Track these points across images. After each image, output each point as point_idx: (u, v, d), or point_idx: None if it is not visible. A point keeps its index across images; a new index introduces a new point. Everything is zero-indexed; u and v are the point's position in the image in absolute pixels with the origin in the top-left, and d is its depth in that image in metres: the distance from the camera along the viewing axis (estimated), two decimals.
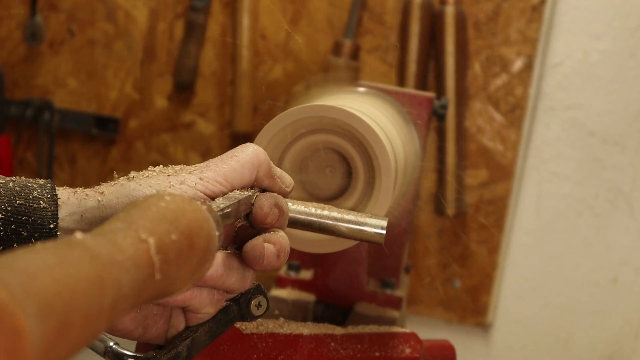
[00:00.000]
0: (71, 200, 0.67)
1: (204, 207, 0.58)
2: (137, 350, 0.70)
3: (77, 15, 2.05)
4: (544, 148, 1.92)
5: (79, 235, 0.46)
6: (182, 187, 0.67)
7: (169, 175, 0.68)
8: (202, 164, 0.70)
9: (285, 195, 0.74)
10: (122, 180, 0.69)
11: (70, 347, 0.41)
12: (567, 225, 1.94)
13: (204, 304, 0.68)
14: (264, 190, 0.73)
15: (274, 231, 0.70)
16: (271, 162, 0.73)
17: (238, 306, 0.73)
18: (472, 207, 1.93)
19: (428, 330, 1.91)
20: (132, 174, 0.70)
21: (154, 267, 0.50)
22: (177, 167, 0.70)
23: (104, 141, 2.08)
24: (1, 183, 0.66)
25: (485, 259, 1.95)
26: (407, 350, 0.90)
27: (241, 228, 0.72)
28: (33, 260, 0.41)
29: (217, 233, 0.58)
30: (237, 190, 0.70)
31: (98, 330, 0.44)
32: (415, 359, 0.89)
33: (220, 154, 0.72)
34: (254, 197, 0.70)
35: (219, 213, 0.62)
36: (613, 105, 1.88)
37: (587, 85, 1.88)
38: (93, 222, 0.66)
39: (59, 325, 0.40)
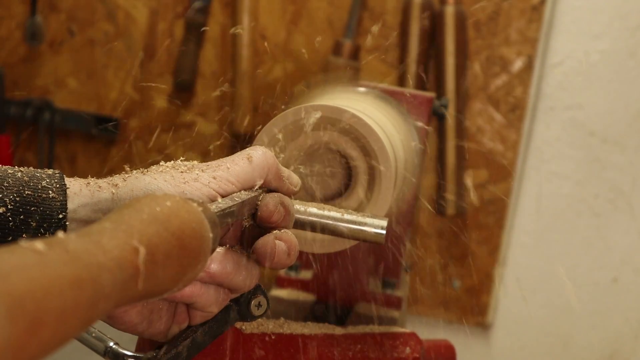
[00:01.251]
0: (83, 191, 0.67)
1: (200, 208, 0.58)
2: (137, 350, 0.70)
3: (77, 15, 2.05)
4: (544, 148, 1.92)
5: (60, 234, 0.47)
6: (196, 184, 0.68)
7: (182, 172, 0.69)
8: (213, 163, 0.71)
9: (293, 195, 0.75)
10: (137, 173, 0.69)
11: (43, 346, 0.41)
12: (567, 225, 1.94)
13: (210, 302, 0.68)
14: (270, 191, 0.73)
15: (284, 230, 0.70)
16: (279, 163, 0.73)
17: (238, 306, 0.73)
18: (472, 207, 1.93)
19: (428, 330, 1.91)
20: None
21: (138, 269, 0.50)
22: (189, 164, 0.71)
23: (104, 141, 2.08)
24: (9, 173, 0.66)
25: (485, 259, 1.95)
26: (407, 350, 0.90)
27: (249, 228, 0.72)
28: (9, 260, 0.41)
29: (211, 235, 0.58)
30: (244, 191, 0.70)
31: (75, 329, 0.44)
32: (415, 359, 0.89)
33: (220, 154, 0.73)
34: (260, 197, 0.71)
35: (219, 213, 0.61)
36: (613, 105, 1.88)
37: (587, 85, 1.88)
38: (106, 213, 0.66)
39: (30, 325, 0.40)
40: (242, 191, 0.70)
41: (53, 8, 2.05)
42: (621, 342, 1.97)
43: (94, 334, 0.70)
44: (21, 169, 0.68)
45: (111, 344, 0.69)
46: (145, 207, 0.54)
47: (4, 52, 2.08)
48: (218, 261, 0.66)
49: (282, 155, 0.85)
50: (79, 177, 0.70)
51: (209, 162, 0.71)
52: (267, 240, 0.68)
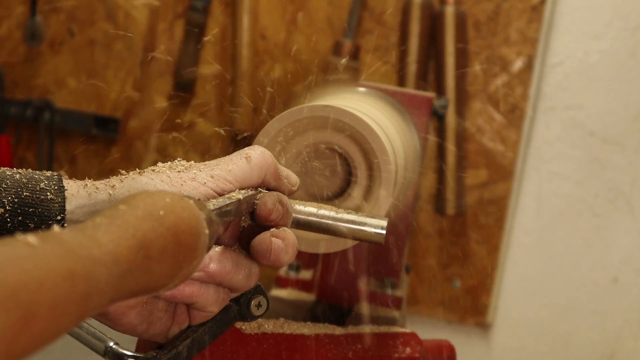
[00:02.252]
0: (81, 193, 0.67)
1: (196, 204, 0.58)
2: (137, 350, 0.70)
3: (77, 15, 2.05)
4: (544, 148, 1.92)
5: (55, 228, 0.47)
6: (193, 183, 0.68)
7: (179, 172, 0.69)
8: (211, 162, 0.71)
9: (291, 194, 0.75)
10: (133, 174, 0.69)
11: (36, 338, 0.42)
12: (567, 225, 1.94)
13: (210, 302, 0.68)
14: (269, 190, 0.73)
15: (282, 228, 0.70)
16: (277, 163, 0.73)
17: (238, 306, 0.73)
18: (472, 207, 1.93)
19: (428, 330, 1.91)
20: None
21: (133, 263, 0.50)
22: (186, 164, 0.71)
23: (104, 141, 2.08)
24: (8, 175, 0.66)
25: (485, 259, 1.95)
26: (407, 350, 0.90)
27: (248, 227, 0.72)
28: (2, 252, 0.41)
29: (207, 231, 0.58)
30: (243, 190, 0.70)
31: (68, 323, 0.44)
32: (415, 359, 0.89)
33: (220, 154, 0.72)
34: (257, 196, 0.71)
35: (216, 211, 0.62)
36: (613, 105, 1.88)
37: (587, 85, 1.88)
38: None
39: (23, 316, 0.40)
40: (239, 190, 0.70)
41: (53, 8, 2.05)
42: (621, 342, 1.97)
43: (94, 334, 0.70)
44: (19, 170, 0.68)
45: (111, 344, 0.69)
46: (140, 202, 0.54)
47: (4, 52, 2.08)
48: (217, 260, 0.67)
49: (281, 155, 0.85)
50: (78, 178, 0.70)
51: (207, 162, 0.71)
52: (263, 238, 0.69)
